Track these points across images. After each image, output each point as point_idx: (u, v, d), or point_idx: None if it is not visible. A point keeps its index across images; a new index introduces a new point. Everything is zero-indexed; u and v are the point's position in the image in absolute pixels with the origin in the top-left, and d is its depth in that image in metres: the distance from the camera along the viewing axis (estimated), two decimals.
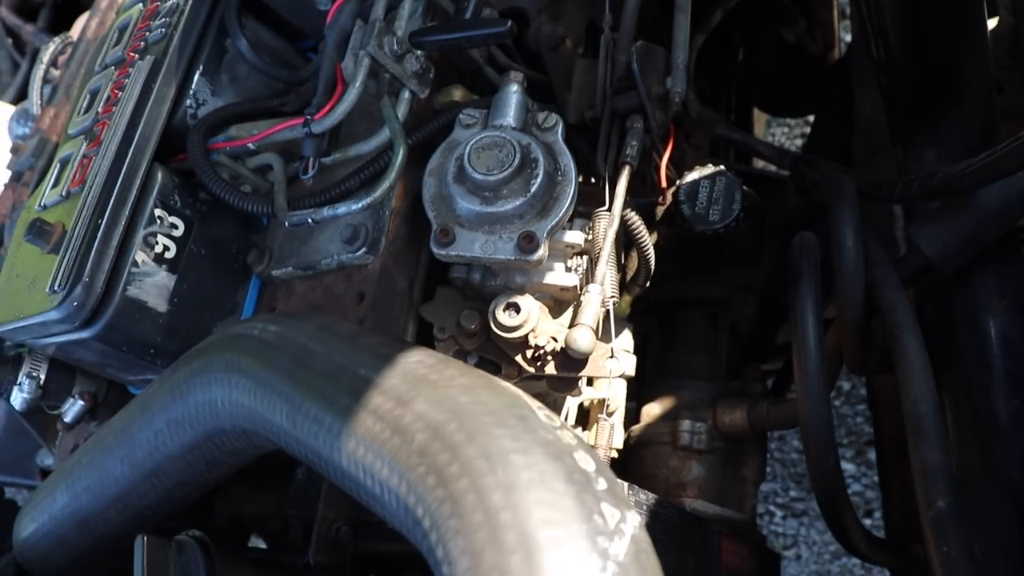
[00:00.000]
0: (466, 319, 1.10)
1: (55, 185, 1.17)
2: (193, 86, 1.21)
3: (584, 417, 1.25)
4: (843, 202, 1.23)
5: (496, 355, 1.11)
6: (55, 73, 1.55)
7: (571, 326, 1.07)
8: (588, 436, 1.16)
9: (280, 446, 0.88)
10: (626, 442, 1.33)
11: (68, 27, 1.67)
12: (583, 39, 1.36)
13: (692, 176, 1.31)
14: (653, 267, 1.23)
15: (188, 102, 1.20)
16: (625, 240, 1.22)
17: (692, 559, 1.17)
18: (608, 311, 1.09)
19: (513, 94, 1.12)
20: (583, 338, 1.04)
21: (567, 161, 1.08)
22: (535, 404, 0.74)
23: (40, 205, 1.17)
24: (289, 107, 1.21)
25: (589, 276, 1.10)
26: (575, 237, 1.11)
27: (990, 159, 1.07)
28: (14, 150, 1.50)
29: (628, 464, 1.36)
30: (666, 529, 1.12)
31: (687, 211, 1.30)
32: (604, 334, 1.09)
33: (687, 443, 1.32)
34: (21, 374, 1.23)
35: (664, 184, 1.32)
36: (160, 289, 1.13)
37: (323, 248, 1.15)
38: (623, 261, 1.24)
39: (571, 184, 1.06)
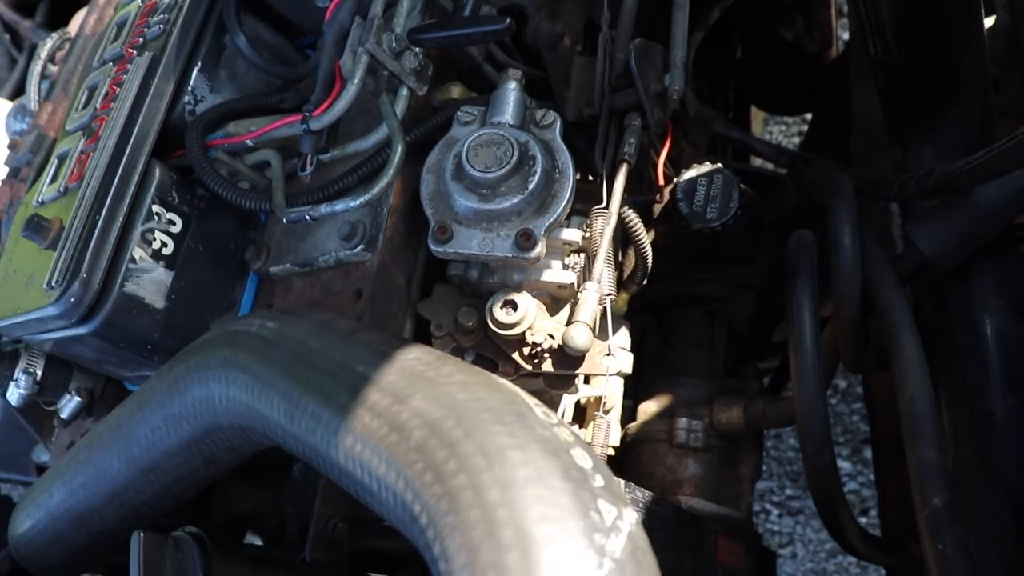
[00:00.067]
0: (463, 316, 1.10)
1: (53, 181, 1.17)
2: (191, 82, 1.21)
3: (581, 414, 1.25)
4: (840, 200, 1.23)
5: (493, 352, 1.11)
6: (53, 69, 1.54)
7: (568, 324, 1.07)
8: (585, 433, 1.16)
9: (277, 443, 0.88)
10: (622, 440, 1.33)
11: (66, 23, 1.66)
12: (581, 37, 1.36)
13: (690, 174, 1.31)
14: (650, 265, 1.23)
15: (186, 98, 1.20)
16: (623, 238, 1.22)
17: (688, 557, 1.17)
18: (605, 309, 1.09)
19: (511, 91, 1.12)
20: (580, 336, 1.05)
21: (565, 159, 1.08)
22: (532, 401, 0.74)
23: (37, 201, 1.17)
24: (287, 104, 1.21)
25: (586, 274, 1.10)
26: (573, 235, 1.11)
27: (987, 157, 1.08)
28: (11, 146, 1.50)
29: (624, 462, 1.36)
30: (662, 527, 1.12)
31: (685, 209, 1.30)
32: (601, 332, 1.09)
33: (683, 441, 1.32)
34: (18, 370, 1.22)
35: (662, 182, 1.32)
36: (157, 285, 1.13)
37: (321, 245, 1.15)
38: (620, 259, 1.24)
39: (569, 182, 1.06)
